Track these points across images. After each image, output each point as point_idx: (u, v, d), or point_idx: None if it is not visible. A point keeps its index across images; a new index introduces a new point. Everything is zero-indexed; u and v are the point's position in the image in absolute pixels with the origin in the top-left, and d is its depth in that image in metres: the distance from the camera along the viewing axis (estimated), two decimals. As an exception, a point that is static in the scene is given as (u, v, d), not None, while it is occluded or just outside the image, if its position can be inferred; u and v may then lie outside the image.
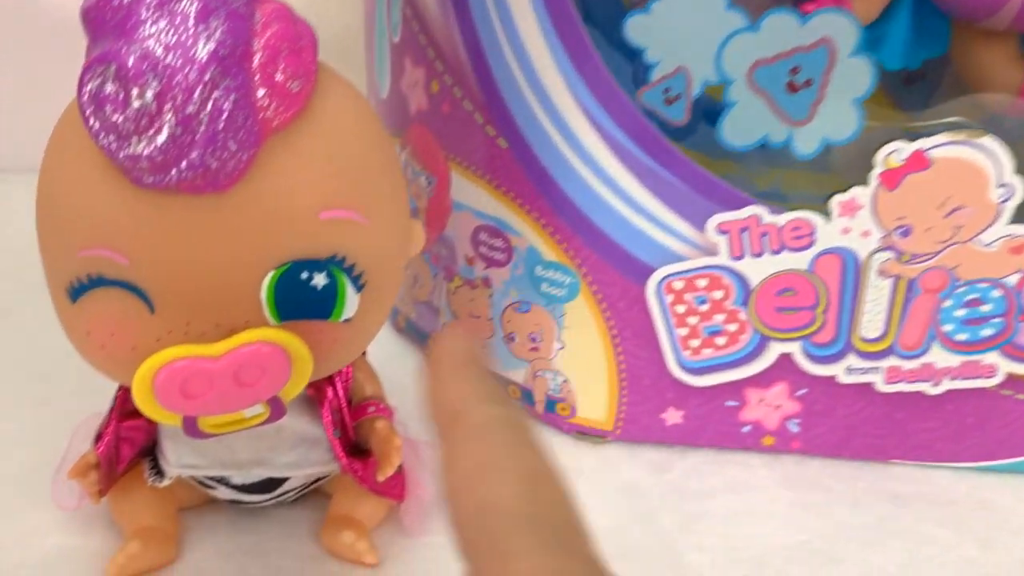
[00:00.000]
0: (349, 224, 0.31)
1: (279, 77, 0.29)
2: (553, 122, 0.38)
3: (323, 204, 0.30)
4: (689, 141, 0.40)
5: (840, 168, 0.49)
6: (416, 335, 0.50)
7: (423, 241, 0.36)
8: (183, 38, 0.27)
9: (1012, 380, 0.41)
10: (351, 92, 0.33)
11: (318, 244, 0.30)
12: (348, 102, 0.32)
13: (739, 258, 0.39)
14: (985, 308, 0.39)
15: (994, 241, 0.38)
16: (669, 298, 0.40)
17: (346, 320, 0.32)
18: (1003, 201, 0.37)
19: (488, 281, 0.44)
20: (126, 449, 0.36)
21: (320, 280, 0.31)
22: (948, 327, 0.40)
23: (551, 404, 0.45)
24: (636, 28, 0.36)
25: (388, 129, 0.47)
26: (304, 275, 0.31)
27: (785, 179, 0.47)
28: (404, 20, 0.43)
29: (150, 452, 0.37)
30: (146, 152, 0.27)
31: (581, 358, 0.43)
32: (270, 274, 0.30)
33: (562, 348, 0.43)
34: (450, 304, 0.46)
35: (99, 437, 0.35)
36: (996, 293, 0.39)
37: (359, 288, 0.32)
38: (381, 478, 0.35)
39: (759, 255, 0.39)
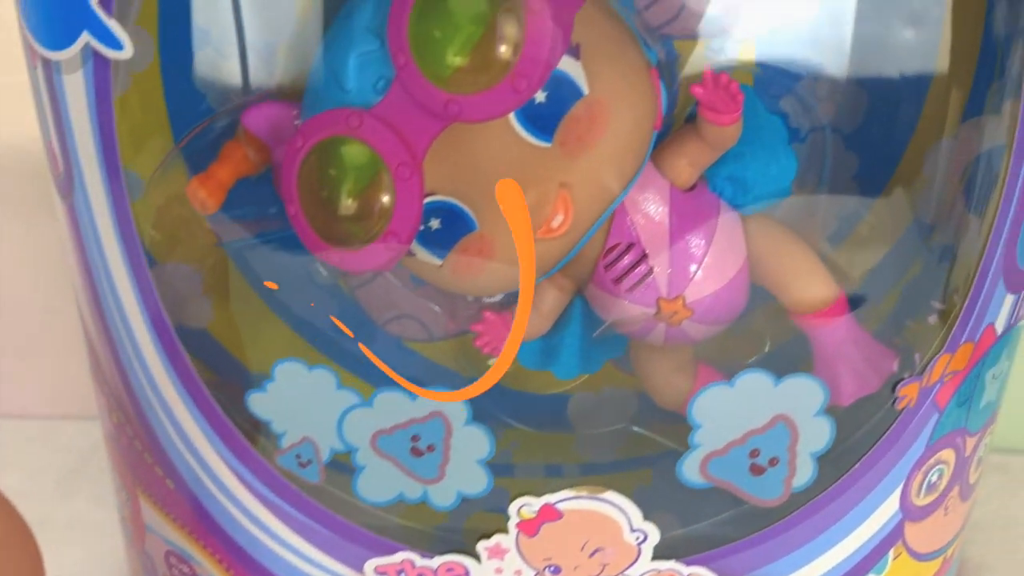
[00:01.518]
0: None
1: None
2: (209, 477, 0.39)
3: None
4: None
5: (577, 425, 0.50)
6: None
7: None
8: None
9: None
10: None
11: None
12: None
13: (402, 595, 0.39)
14: (649, 629, 0.40)
15: (643, 575, 0.38)
16: (346, 628, 0.41)
17: None
18: (640, 543, 0.38)
19: (185, 599, 0.44)
20: None
21: None
22: (620, 646, 0.40)
23: None
24: (258, 403, 0.36)
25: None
26: None
27: (519, 445, 0.47)
28: (87, 342, 0.43)
29: None
30: None
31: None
32: None
33: (259, 666, 0.43)
34: (164, 610, 0.46)
35: None
36: (657, 616, 0.40)
37: None
38: None
39: (421, 592, 0.39)
